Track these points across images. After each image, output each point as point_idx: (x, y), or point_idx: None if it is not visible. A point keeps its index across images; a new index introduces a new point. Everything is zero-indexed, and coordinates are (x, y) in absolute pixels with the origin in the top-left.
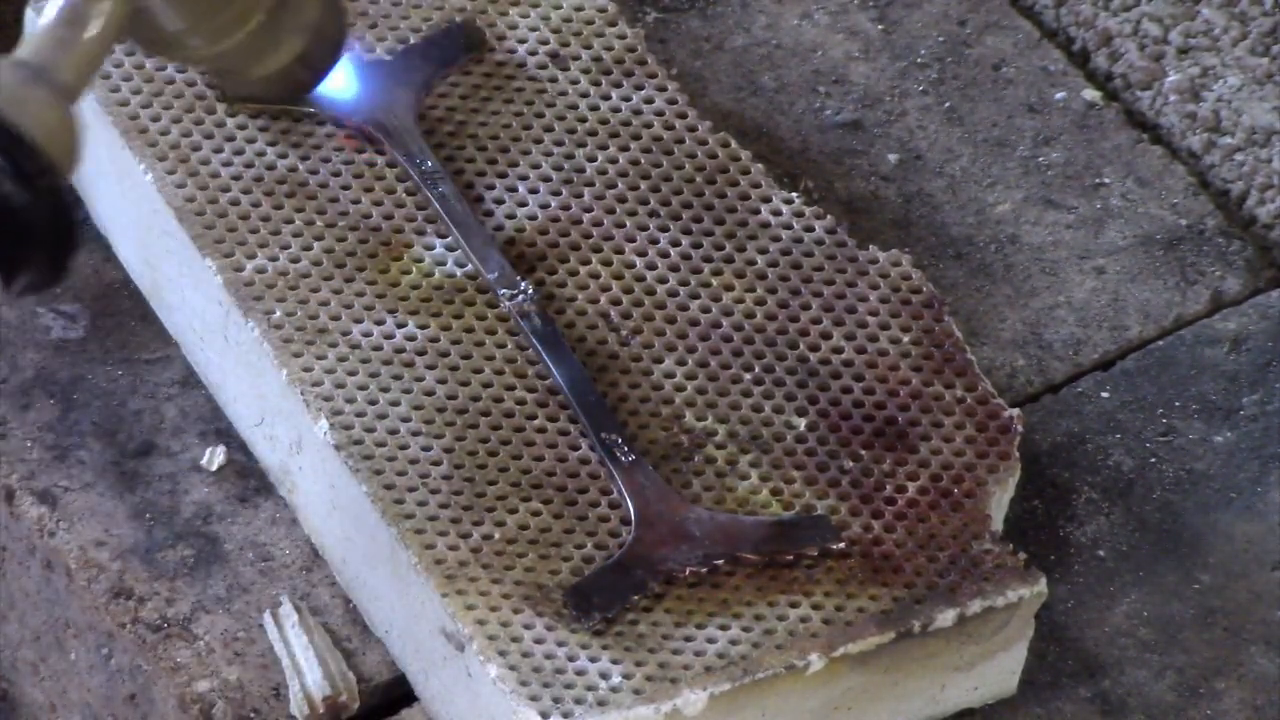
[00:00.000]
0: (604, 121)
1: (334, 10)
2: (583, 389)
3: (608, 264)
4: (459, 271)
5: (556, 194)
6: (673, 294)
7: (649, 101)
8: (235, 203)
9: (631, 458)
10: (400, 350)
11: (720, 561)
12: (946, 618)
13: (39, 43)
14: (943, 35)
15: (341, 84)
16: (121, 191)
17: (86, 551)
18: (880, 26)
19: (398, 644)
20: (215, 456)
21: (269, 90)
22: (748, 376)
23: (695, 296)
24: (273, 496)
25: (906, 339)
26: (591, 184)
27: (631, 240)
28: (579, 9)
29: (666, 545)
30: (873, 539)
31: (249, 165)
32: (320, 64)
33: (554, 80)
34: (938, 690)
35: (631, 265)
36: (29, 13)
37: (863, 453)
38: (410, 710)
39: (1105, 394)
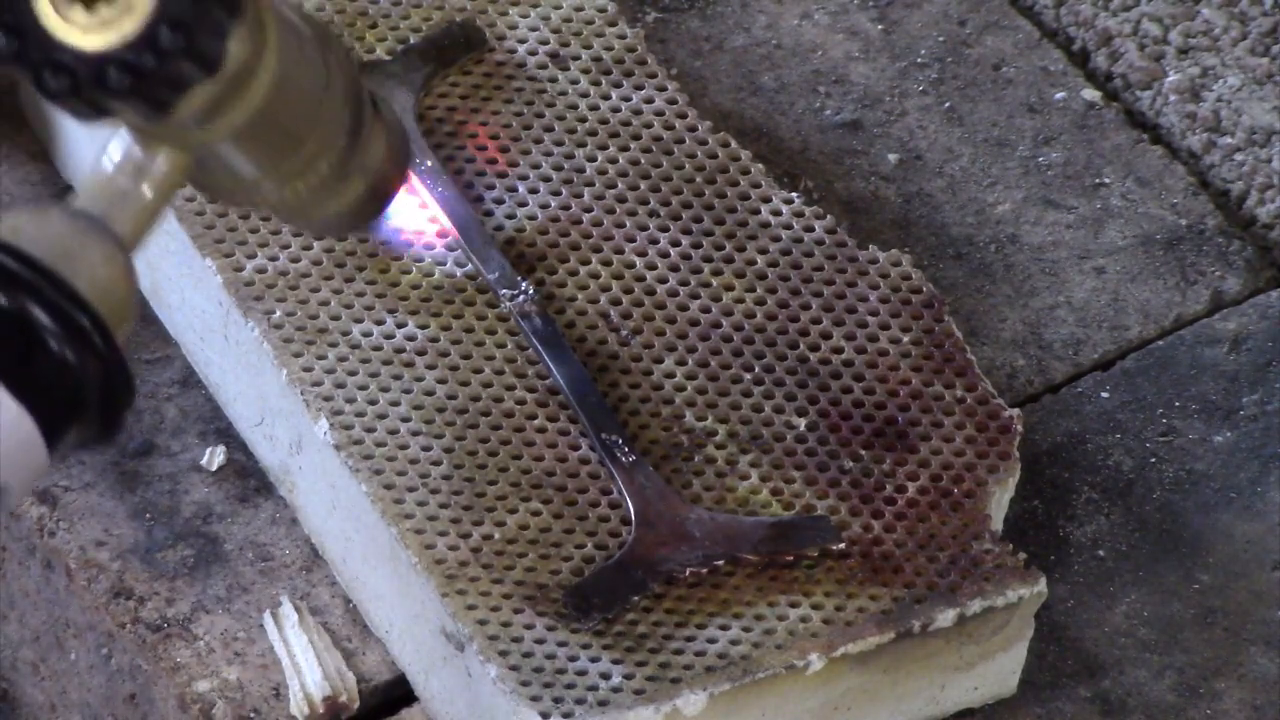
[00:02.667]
0: (604, 121)
1: (399, 141)
2: (583, 389)
3: (608, 264)
4: (459, 271)
5: (556, 194)
6: (673, 294)
7: (649, 101)
8: None
9: (632, 458)
10: (400, 350)
11: (720, 562)
12: (946, 618)
13: (96, 191)
14: (943, 35)
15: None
16: None
17: (86, 551)
18: (880, 26)
19: (398, 644)
20: (215, 456)
21: (337, 227)
22: (748, 376)
23: (695, 296)
24: (273, 496)
25: (906, 339)
26: (591, 184)
27: (631, 240)
28: (579, 9)
29: (667, 546)
30: (873, 539)
31: None
32: (387, 194)
33: (554, 80)
34: (938, 690)
35: (631, 265)
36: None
37: (863, 453)
38: (410, 710)
39: (1105, 394)
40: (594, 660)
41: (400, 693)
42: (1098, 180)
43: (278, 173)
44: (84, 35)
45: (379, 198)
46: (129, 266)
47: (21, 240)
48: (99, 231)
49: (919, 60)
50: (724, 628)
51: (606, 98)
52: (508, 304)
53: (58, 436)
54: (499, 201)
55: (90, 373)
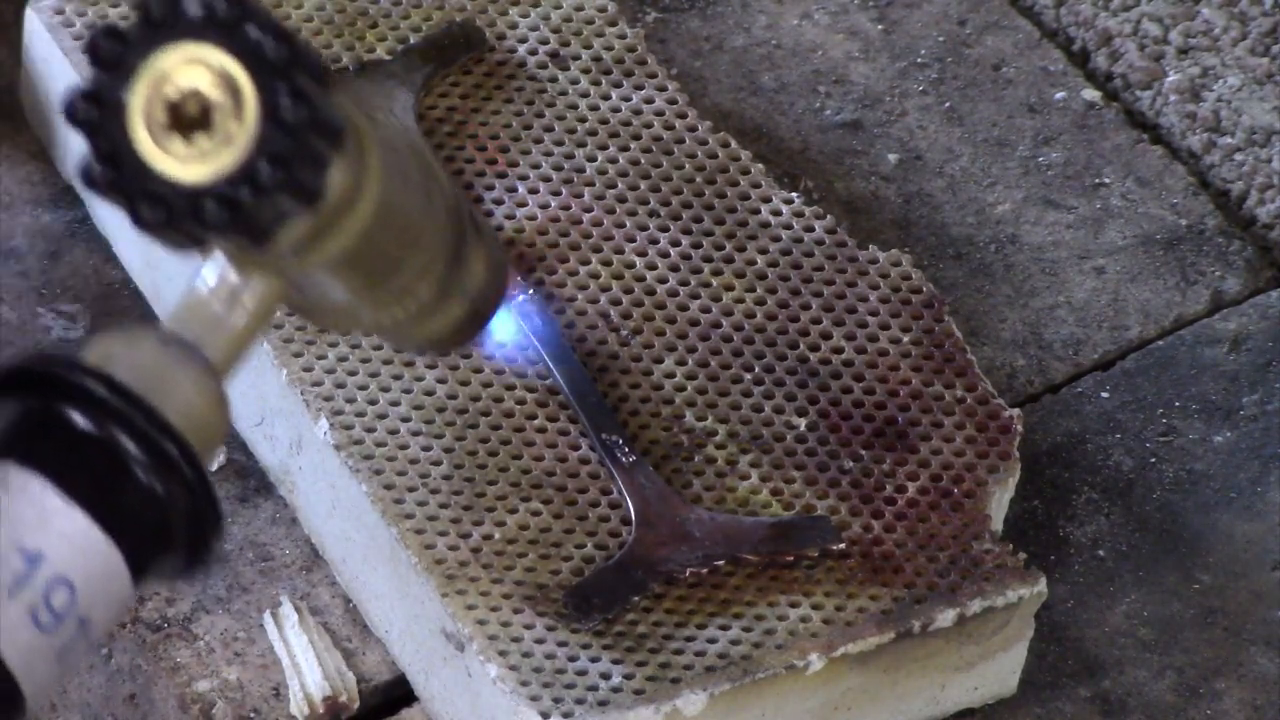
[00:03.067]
0: (604, 121)
1: (499, 259)
2: (583, 389)
3: (608, 264)
4: None
5: (556, 194)
6: (673, 294)
7: (649, 101)
8: None
9: (632, 458)
10: (400, 350)
11: (720, 562)
12: (946, 618)
13: (189, 316)
14: (943, 35)
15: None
16: None
17: None
18: (880, 26)
19: (398, 644)
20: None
21: (436, 347)
22: (748, 376)
23: (695, 296)
24: (273, 496)
25: (906, 339)
26: (591, 184)
27: (631, 240)
28: (579, 9)
29: (667, 546)
30: (873, 539)
31: None
32: (488, 315)
33: (554, 80)
34: (938, 690)
35: (631, 265)
36: (29, 13)
37: (863, 453)
38: (410, 710)
39: (1105, 394)
40: (594, 660)
41: (400, 693)
42: (1098, 180)
43: (375, 298)
44: (181, 167)
45: (479, 319)
46: (221, 394)
47: (112, 367)
48: (191, 358)
49: (919, 60)
50: (724, 628)
51: (606, 98)
52: (508, 304)
53: (143, 568)
54: (499, 202)
55: (178, 504)
